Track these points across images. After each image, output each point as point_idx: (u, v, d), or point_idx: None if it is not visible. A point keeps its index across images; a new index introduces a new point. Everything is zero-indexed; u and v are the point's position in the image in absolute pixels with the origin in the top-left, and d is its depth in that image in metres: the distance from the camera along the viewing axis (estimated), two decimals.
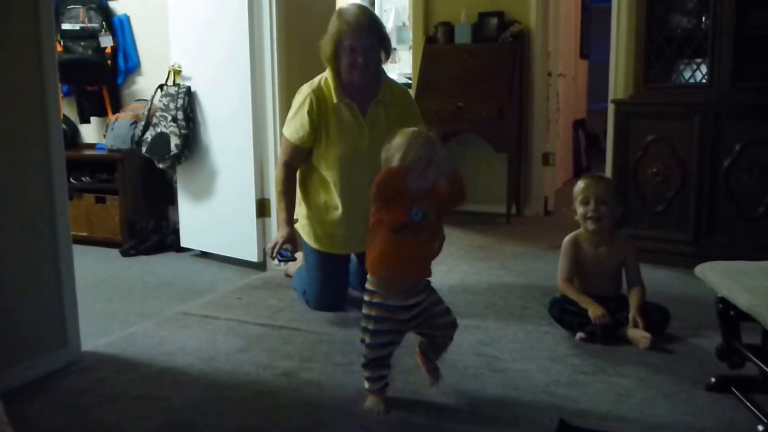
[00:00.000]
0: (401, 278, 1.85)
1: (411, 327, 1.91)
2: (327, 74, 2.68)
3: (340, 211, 2.68)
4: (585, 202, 2.52)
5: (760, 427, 1.74)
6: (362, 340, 1.88)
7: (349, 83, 2.65)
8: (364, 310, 1.87)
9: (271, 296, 2.99)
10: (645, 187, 3.46)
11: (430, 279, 1.92)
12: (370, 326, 1.86)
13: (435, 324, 1.92)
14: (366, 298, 1.88)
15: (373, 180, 2.70)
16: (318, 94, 2.65)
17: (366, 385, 1.92)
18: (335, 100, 2.64)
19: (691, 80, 3.43)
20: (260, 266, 3.48)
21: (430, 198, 1.82)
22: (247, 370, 2.22)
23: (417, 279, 1.88)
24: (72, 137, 4.51)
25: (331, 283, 2.78)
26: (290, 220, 2.70)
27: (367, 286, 1.88)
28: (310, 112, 2.63)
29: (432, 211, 1.82)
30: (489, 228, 4.38)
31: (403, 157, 1.78)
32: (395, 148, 1.81)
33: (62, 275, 2.30)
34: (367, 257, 1.88)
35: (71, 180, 4.10)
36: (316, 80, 2.70)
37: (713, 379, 2.02)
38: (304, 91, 2.69)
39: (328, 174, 2.68)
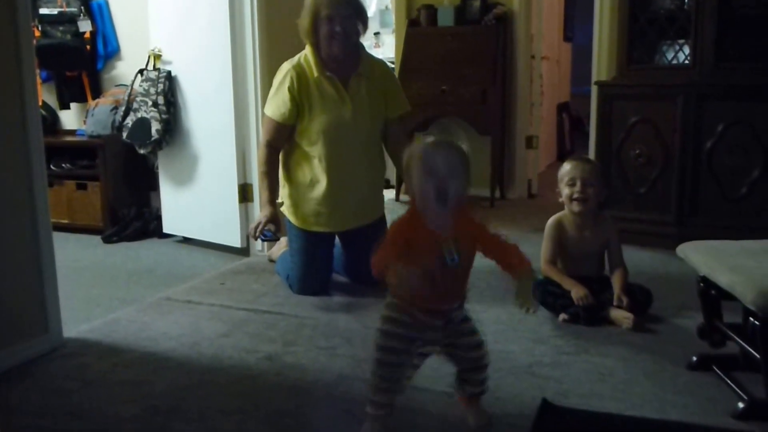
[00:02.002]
0: (437, 310, 1.62)
1: (439, 346, 1.67)
2: (306, 50, 2.68)
3: (324, 185, 2.67)
4: (571, 183, 2.52)
5: (741, 404, 1.75)
6: (374, 358, 1.63)
7: (329, 57, 2.65)
8: (385, 326, 1.62)
9: (255, 281, 2.98)
10: (628, 168, 3.47)
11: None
12: (389, 343, 1.61)
13: (459, 343, 1.67)
14: (391, 313, 1.62)
15: (357, 153, 2.72)
16: (298, 70, 2.65)
17: (368, 408, 1.65)
18: (316, 74, 2.64)
19: (674, 61, 3.44)
20: (243, 251, 3.46)
21: (459, 228, 1.59)
22: (230, 354, 2.21)
23: (454, 305, 1.66)
24: (52, 123, 4.47)
25: (315, 268, 2.77)
26: (273, 200, 2.69)
27: (392, 300, 1.64)
28: (291, 89, 2.63)
29: (467, 249, 1.58)
30: (473, 211, 4.37)
31: (420, 176, 1.55)
32: (413, 162, 1.57)
33: (42, 262, 2.28)
34: (393, 289, 1.64)
35: (52, 167, 4.07)
36: (295, 58, 2.70)
37: (694, 358, 2.03)
38: (284, 68, 2.68)
39: (312, 149, 2.67)
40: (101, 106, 4.12)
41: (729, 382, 1.88)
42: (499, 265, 1.64)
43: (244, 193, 3.43)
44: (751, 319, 1.71)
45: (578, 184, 2.50)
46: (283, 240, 2.95)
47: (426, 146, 1.58)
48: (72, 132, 4.44)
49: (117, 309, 2.69)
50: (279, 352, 2.21)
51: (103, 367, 2.14)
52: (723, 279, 1.79)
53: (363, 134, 2.70)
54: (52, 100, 4.48)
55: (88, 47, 4.29)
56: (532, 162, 4.99)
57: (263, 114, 2.81)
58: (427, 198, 1.55)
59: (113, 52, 4.37)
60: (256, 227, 2.64)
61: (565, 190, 2.53)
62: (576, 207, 2.52)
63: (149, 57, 3.71)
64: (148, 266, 3.41)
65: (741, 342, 1.85)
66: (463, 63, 4.51)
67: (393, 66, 5.02)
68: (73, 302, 2.70)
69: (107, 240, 3.91)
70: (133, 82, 3.78)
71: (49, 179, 3.82)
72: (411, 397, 1.82)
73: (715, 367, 1.97)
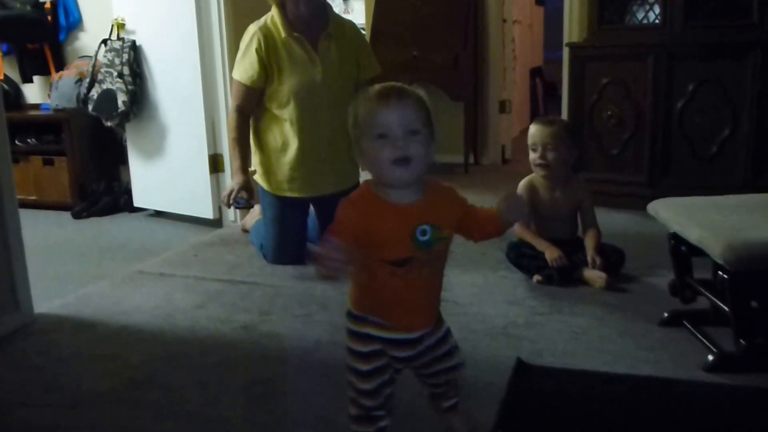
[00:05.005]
0: (406, 329, 1.29)
1: (411, 366, 1.36)
2: (273, 12, 2.64)
3: (297, 148, 2.64)
4: (533, 149, 2.52)
5: (710, 357, 1.78)
6: (350, 384, 1.32)
7: (296, 17, 2.61)
8: (351, 344, 1.31)
9: (228, 252, 2.95)
10: (600, 130, 3.48)
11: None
12: (362, 366, 1.29)
13: (436, 370, 1.38)
14: (352, 327, 1.32)
15: (328, 115, 2.69)
16: (265, 31, 2.61)
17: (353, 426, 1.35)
18: (284, 35, 2.60)
19: (645, 21, 3.43)
20: (216, 223, 3.43)
21: (430, 199, 1.28)
22: (205, 325, 2.19)
23: (427, 325, 1.33)
24: (15, 98, 4.36)
25: (289, 236, 2.75)
26: (245, 168, 2.66)
27: (352, 309, 1.33)
28: (258, 50, 2.59)
29: (443, 224, 1.27)
30: (447, 178, 4.31)
31: (361, 127, 1.23)
32: (356, 118, 1.25)
33: (9, 239, 2.24)
34: (351, 294, 1.34)
35: (16, 142, 3.99)
36: (262, 19, 2.66)
37: (666, 314, 2.06)
38: (251, 30, 2.64)
39: (283, 112, 2.63)
40: (65, 79, 4.02)
41: (699, 336, 1.92)
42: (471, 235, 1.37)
43: (215, 164, 3.39)
44: (720, 273, 1.73)
45: (539, 149, 2.49)
46: (257, 209, 2.93)
47: (372, 99, 1.24)
48: (36, 106, 4.34)
49: (89, 284, 2.65)
50: (255, 322, 2.20)
51: (76, 342, 2.12)
52: (692, 235, 1.81)
53: (334, 96, 2.66)
54: (14, 74, 4.37)
55: (49, 18, 4.17)
56: (505, 127, 4.98)
57: (231, 78, 2.76)
58: (384, 166, 1.21)
59: (75, 23, 4.25)
60: (229, 195, 2.61)
61: (530, 155, 2.54)
62: (539, 172, 2.52)
63: (112, 26, 3.62)
64: (120, 241, 3.37)
65: (710, 296, 1.88)
66: (434, 28, 4.47)
67: (363, 32, 4.96)
68: (43, 279, 2.65)
69: (77, 216, 3.85)
70: (97, 52, 3.69)
71: (14, 155, 3.74)
72: None
73: (686, 323, 2.00)
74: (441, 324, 1.37)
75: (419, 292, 1.29)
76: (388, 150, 1.20)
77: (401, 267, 1.24)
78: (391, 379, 1.33)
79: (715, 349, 1.81)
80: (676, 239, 1.98)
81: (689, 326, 1.98)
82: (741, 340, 1.73)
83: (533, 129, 2.53)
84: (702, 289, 1.93)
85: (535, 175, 2.58)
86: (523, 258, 2.50)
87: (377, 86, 1.27)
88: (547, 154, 2.48)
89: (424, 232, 1.23)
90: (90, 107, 3.68)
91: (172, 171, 3.57)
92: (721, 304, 1.80)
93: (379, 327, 1.28)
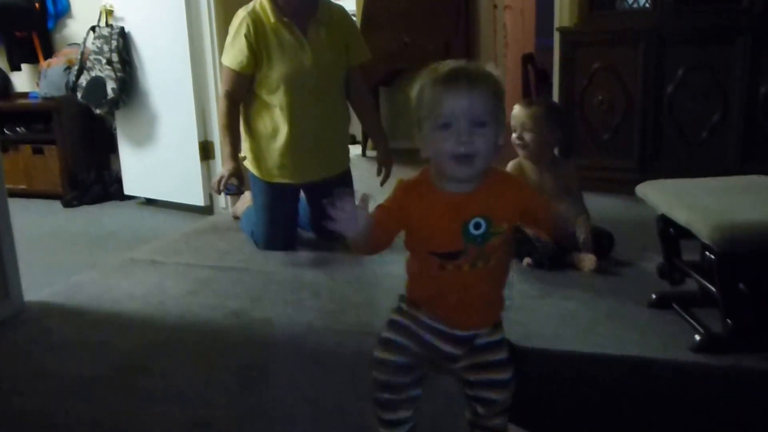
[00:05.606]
0: (456, 326, 1.20)
1: (454, 368, 1.24)
2: None
3: (286, 134, 2.63)
4: (513, 129, 2.54)
5: (697, 337, 1.80)
6: (376, 360, 1.22)
7: (285, 2, 2.60)
8: (395, 316, 1.23)
9: (219, 239, 2.95)
10: (591, 115, 3.48)
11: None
12: (399, 338, 1.21)
13: (482, 380, 1.23)
14: (403, 305, 1.24)
15: (318, 101, 2.68)
16: (254, 17, 2.59)
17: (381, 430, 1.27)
18: (272, 20, 2.58)
19: (635, 5, 3.43)
20: (207, 210, 3.43)
21: (490, 188, 1.16)
22: (196, 311, 2.20)
23: (480, 325, 1.23)
24: (3, 87, 4.33)
25: (280, 223, 2.75)
26: (236, 155, 2.66)
27: (405, 296, 1.25)
28: (247, 35, 2.57)
29: (502, 218, 1.15)
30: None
31: (427, 117, 1.11)
32: (420, 99, 1.13)
33: None
34: (407, 287, 1.25)
35: (5, 131, 3.98)
36: (250, 4, 2.64)
37: (654, 296, 2.07)
38: (240, 16, 2.63)
39: (272, 98, 2.62)
40: (54, 67, 3.99)
41: (687, 317, 1.93)
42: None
43: (206, 151, 3.38)
44: (708, 254, 1.75)
45: (518, 130, 2.51)
46: (247, 195, 2.93)
47: (439, 82, 1.10)
48: (25, 95, 4.30)
49: (80, 273, 2.64)
50: (246, 308, 2.20)
51: (67, 329, 2.11)
52: (681, 216, 1.82)
53: (324, 82, 2.66)
54: (2, 62, 4.33)
55: (37, 6, 4.13)
56: None
57: (221, 64, 2.75)
58: (444, 159, 1.10)
59: (63, 10, 4.22)
60: (219, 181, 2.61)
61: (512, 135, 2.56)
62: (519, 152, 2.55)
63: (101, 13, 3.60)
64: (111, 229, 3.36)
65: (698, 278, 1.89)
66: (425, 14, 4.46)
67: (354, 19, 4.93)
68: (34, 268, 2.63)
69: (67, 205, 3.84)
70: (86, 40, 3.66)
71: (4, 144, 3.72)
72: None
73: (674, 304, 2.01)
74: (499, 330, 1.25)
75: (473, 287, 1.18)
76: (451, 143, 1.08)
77: (452, 260, 1.15)
78: (418, 378, 1.23)
79: (702, 330, 1.82)
80: (665, 221, 1.99)
81: (677, 308, 1.99)
82: (728, 321, 1.75)
83: (514, 110, 2.58)
84: (690, 271, 1.95)
85: (522, 158, 2.59)
86: (512, 242, 2.50)
87: (447, 65, 1.12)
88: (524, 135, 2.50)
89: (478, 225, 1.13)
90: (79, 95, 3.65)
91: (163, 158, 3.55)
92: (709, 286, 1.81)
93: (431, 316, 1.20)
